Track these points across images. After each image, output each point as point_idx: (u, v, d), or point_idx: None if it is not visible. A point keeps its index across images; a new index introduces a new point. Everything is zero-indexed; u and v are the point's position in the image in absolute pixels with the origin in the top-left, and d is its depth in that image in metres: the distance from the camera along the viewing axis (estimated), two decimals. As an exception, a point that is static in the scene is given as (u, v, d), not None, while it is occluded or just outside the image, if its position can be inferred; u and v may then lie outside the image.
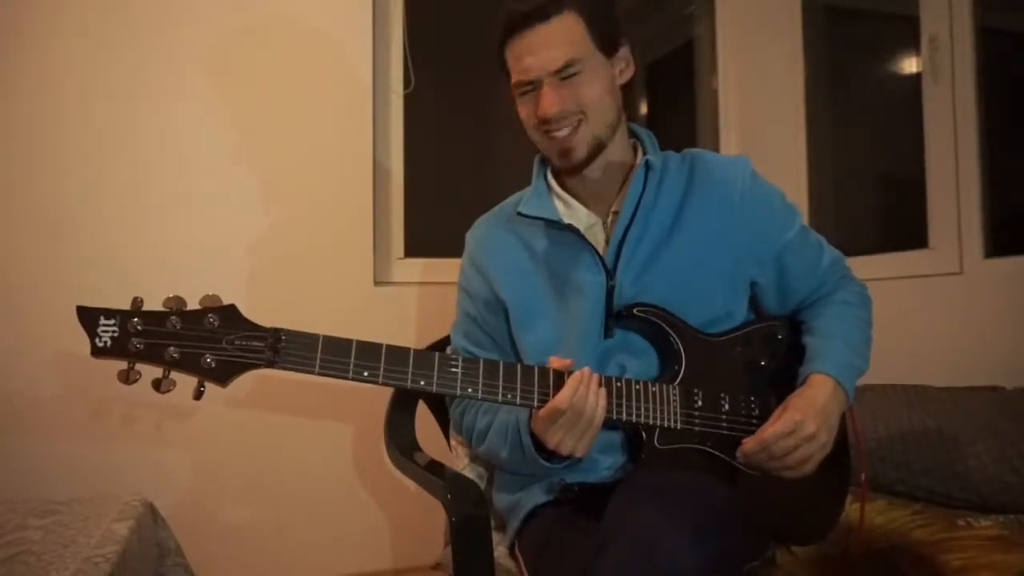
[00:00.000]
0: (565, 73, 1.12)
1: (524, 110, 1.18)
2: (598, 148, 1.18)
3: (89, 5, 1.89)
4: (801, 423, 1.07)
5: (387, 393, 1.43)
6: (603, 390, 1.05)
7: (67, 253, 1.84)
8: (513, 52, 1.15)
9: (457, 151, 2.75)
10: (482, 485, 1.34)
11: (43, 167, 1.85)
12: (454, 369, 1.01)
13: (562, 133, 1.16)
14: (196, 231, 1.94)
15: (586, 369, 1.04)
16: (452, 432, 1.39)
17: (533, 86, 1.14)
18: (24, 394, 1.79)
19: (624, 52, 1.21)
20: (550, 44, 1.11)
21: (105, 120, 1.89)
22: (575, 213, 1.25)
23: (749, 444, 1.09)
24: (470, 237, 1.35)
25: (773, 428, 1.07)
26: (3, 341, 1.79)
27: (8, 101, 1.83)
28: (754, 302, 1.30)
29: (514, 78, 1.16)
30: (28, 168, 1.84)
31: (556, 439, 1.04)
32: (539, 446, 1.08)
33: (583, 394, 1.02)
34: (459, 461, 1.39)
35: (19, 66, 1.83)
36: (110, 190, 1.89)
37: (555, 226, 1.22)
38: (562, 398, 1.01)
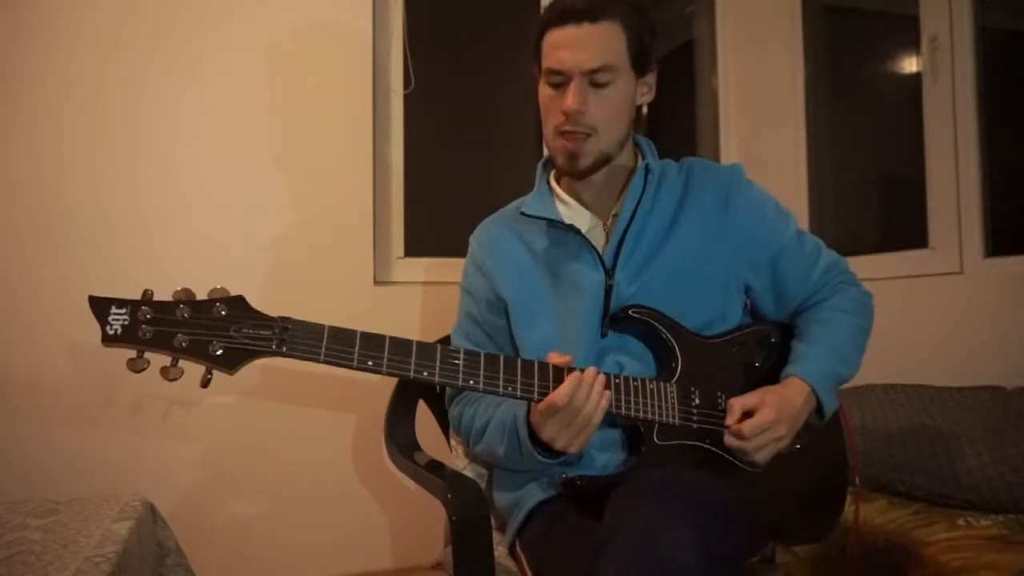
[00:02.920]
0: (596, 78, 1.15)
1: (545, 99, 1.20)
2: (604, 161, 1.22)
3: (91, 6, 1.89)
4: (776, 423, 1.11)
5: (387, 393, 1.43)
6: (608, 392, 1.05)
7: (69, 253, 1.84)
8: (552, 40, 1.16)
9: (457, 151, 2.75)
10: (482, 485, 1.34)
11: (46, 166, 1.84)
12: (456, 361, 1.02)
13: (573, 131, 1.17)
14: (197, 231, 1.94)
15: (592, 369, 1.05)
16: (452, 432, 1.39)
17: (562, 78, 1.16)
18: (24, 394, 1.78)
19: (651, 77, 1.23)
20: (591, 44, 1.13)
21: (106, 120, 1.89)
22: (577, 214, 1.26)
23: (728, 439, 1.12)
24: (473, 239, 1.37)
25: (751, 423, 1.10)
26: (5, 338, 1.79)
27: (11, 101, 1.83)
28: (753, 308, 1.31)
29: (546, 64, 1.17)
30: (31, 167, 1.84)
31: (551, 433, 1.05)
32: (535, 440, 1.09)
33: (584, 393, 1.03)
34: (459, 461, 1.39)
35: (21, 66, 1.83)
36: (111, 187, 1.89)
37: (557, 226, 1.24)
38: (560, 394, 1.02)
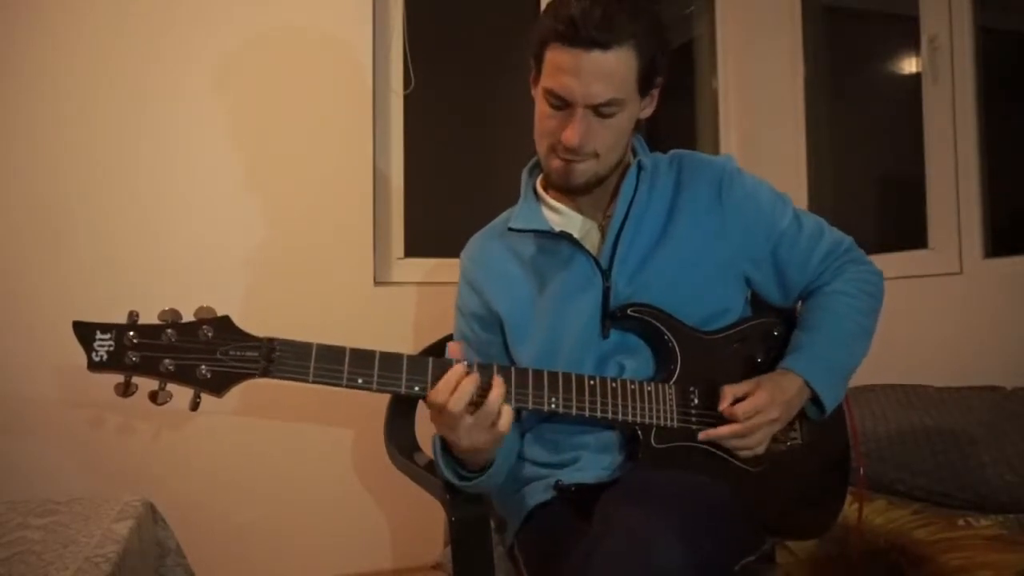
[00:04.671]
0: (602, 111, 1.09)
1: (543, 116, 1.14)
2: (597, 182, 1.18)
3: (89, 12, 1.89)
4: (769, 406, 1.10)
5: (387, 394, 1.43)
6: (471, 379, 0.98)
7: (69, 253, 1.84)
8: (556, 60, 1.07)
9: (457, 151, 2.75)
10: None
11: (43, 174, 1.85)
12: None
13: (571, 159, 1.14)
14: (197, 231, 1.94)
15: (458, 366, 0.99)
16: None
17: (564, 103, 1.09)
18: (25, 395, 1.79)
19: (655, 91, 1.17)
20: (600, 77, 1.06)
21: (106, 121, 1.89)
22: (569, 220, 1.24)
23: (722, 429, 1.10)
24: (464, 255, 1.34)
25: (744, 405, 1.09)
26: (4, 343, 1.79)
27: (8, 108, 1.83)
28: (760, 298, 1.29)
29: (547, 84, 1.10)
30: (29, 176, 1.84)
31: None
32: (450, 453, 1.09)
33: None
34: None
35: (21, 66, 1.83)
36: (111, 188, 1.89)
37: (547, 236, 1.22)
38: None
